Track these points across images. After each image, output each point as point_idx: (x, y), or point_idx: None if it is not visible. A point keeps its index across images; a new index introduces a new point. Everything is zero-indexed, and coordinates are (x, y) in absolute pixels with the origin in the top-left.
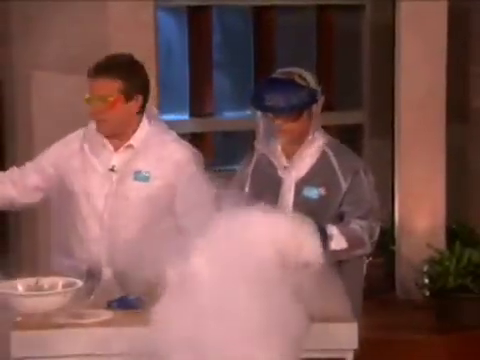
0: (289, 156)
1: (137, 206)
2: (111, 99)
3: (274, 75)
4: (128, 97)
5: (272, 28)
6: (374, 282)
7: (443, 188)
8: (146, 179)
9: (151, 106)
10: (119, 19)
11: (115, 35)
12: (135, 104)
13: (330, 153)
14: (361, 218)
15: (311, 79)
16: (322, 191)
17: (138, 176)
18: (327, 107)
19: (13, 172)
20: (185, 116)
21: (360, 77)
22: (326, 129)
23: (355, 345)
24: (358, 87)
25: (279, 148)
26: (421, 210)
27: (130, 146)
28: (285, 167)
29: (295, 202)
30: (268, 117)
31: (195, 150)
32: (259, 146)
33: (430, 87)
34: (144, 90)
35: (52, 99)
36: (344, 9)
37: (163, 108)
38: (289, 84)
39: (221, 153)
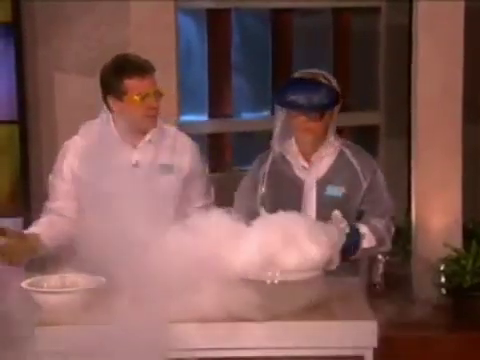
0: (305, 156)
1: (166, 198)
2: (164, 91)
3: (298, 75)
4: None
5: (289, 30)
6: (391, 280)
7: (459, 187)
8: (171, 171)
9: None
10: (140, 21)
11: (136, 37)
12: None
13: (348, 153)
14: (379, 216)
15: (333, 80)
16: (343, 190)
17: (164, 170)
18: (343, 108)
19: (57, 217)
20: (204, 117)
21: (376, 78)
22: (343, 130)
23: (374, 343)
24: (374, 88)
25: (296, 148)
26: (437, 209)
27: (149, 141)
28: (304, 167)
29: (318, 201)
30: (290, 116)
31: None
32: (276, 146)
33: (446, 87)
34: None
35: (74, 100)
36: (360, 11)
37: (182, 109)
38: (317, 84)
39: (239, 153)
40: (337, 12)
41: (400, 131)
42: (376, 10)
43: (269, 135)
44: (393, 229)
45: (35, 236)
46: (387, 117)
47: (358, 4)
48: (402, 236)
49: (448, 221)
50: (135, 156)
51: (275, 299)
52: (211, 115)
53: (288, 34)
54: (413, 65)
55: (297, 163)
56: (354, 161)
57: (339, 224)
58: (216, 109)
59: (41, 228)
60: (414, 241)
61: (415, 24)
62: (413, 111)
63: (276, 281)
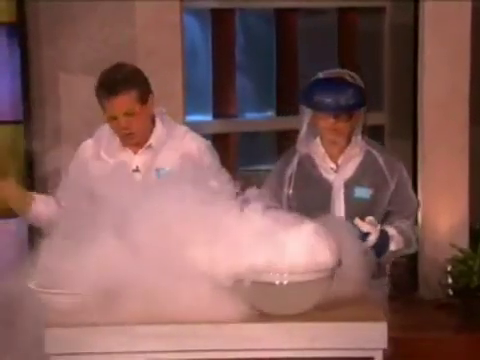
0: (332, 157)
1: None
2: (137, 110)
3: (323, 76)
4: (144, 101)
5: (294, 30)
6: (398, 281)
7: (466, 187)
8: (167, 175)
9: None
10: (146, 21)
11: (142, 37)
12: (151, 104)
13: (375, 153)
14: (406, 218)
15: (358, 79)
16: (371, 191)
17: (160, 173)
18: None
19: (54, 199)
20: (208, 117)
21: (381, 78)
22: None
23: (384, 344)
24: (379, 88)
25: (322, 149)
26: (444, 210)
27: (150, 146)
28: (332, 168)
29: (347, 203)
30: (317, 117)
31: (207, 141)
32: (302, 147)
33: (453, 87)
34: (150, 88)
35: (79, 101)
36: (365, 11)
37: (187, 109)
38: (346, 84)
39: (244, 154)
40: (342, 12)
41: (405, 131)
42: (381, 10)
43: (273, 135)
44: (417, 230)
45: (30, 195)
46: (392, 117)
47: (363, 4)
48: None
49: (455, 222)
50: (135, 161)
51: (284, 300)
52: (215, 115)
53: (292, 34)
54: (419, 66)
55: (324, 164)
56: (381, 161)
57: (375, 228)
58: (220, 109)
59: (38, 196)
60: (421, 242)
61: (421, 24)
62: (419, 112)
63: (285, 282)
